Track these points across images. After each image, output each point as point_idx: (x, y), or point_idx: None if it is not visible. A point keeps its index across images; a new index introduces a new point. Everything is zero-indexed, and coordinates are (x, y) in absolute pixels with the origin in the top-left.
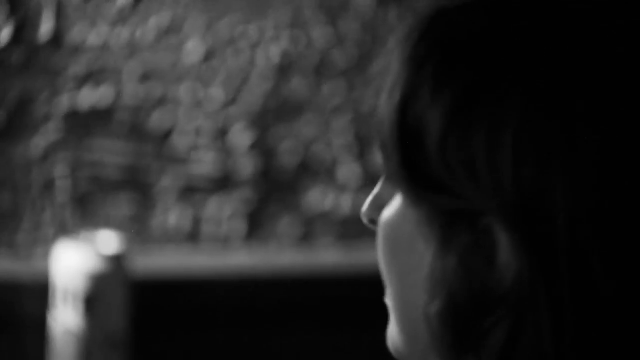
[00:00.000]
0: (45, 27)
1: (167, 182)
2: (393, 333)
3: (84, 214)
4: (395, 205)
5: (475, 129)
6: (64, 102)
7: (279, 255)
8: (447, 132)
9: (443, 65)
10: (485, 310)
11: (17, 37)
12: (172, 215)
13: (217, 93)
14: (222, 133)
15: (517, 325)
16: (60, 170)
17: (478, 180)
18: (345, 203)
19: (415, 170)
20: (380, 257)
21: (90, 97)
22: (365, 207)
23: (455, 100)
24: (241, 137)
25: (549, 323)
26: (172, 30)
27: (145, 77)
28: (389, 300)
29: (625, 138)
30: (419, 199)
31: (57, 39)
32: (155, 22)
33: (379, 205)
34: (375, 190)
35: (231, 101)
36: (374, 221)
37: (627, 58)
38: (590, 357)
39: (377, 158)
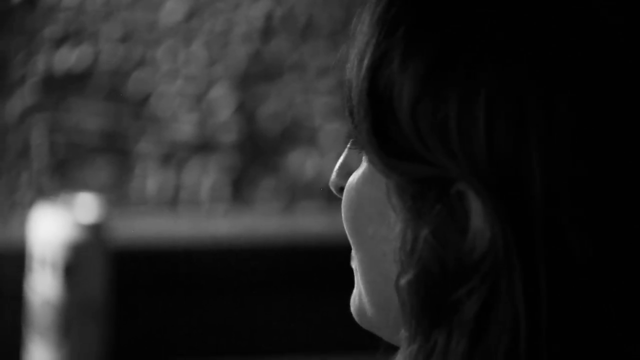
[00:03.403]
0: None
1: (147, 147)
2: (358, 299)
3: (62, 178)
4: (362, 170)
5: (447, 94)
6: (40, 64)
7: (262, 222)
8: (418, 97)
9: (415, 29)
10: (457, 280)
11: None
12: (152, 181)
13: (198, 54)
14: (203, 96)
15: (491, 295)
16: (36, 134)
17: (450, 147)
18: (330, 168)
19: (385, 138)
20: (345, 222)
21: (66, 59)
22: (333, 175)
23: (427, 65)
24: (223, 100)
25: (523, 292)
26: None
27: (124, 38)
28: (355, 264)
29: (604, 107)
30: (388, 167)
31: None
32: None
33: (347, 172)
34: (342, 157)
35: (213, 63)
36: (343, 189)
37: (610, 27)
38: (564, 327)
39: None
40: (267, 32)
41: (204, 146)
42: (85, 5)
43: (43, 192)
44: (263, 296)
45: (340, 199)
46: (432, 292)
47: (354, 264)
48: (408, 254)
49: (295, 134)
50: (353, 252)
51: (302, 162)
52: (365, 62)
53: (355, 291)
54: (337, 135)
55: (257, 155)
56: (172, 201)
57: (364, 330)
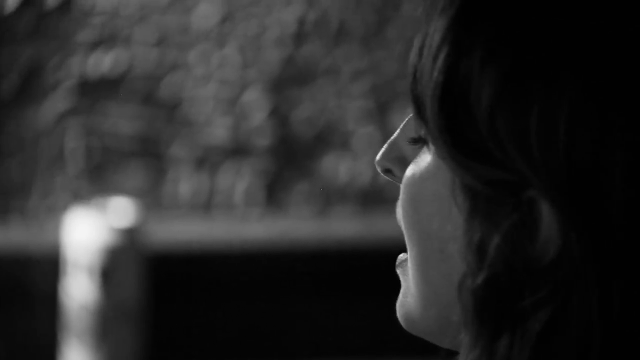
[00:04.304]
0: None
1: (181, 151)
2: (407, 303)
3: (96, 182)
4: (425, 164)
5: (528, 101)
6: (74, 68)
7: (296, 226)
8: (498, 99)
9: (498, 28)
10: (525, 287)
11: (27, 2)
12: (186, 185)
13: (231, 59)
14: (236, 100)
15: (561, 306)
16: (71, 138)
17: (528, 152)
18: (364, 171)
19: (459, 136)
20: (404, 217)
21: (101, 63)
22: (380, 154)
23: (510, 67)
24: (257, 104)
25: (598, 304)
26: None
27: (157, 43)
28: (407, 266)
29: None
30: (461, 166)
31: (66, 3)
32: None
33: (396, 156)
34: (394, 137)
35: (246, 67)
36: (389, 171)
37: None
38: (638, 341)
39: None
40: (300, 36)
41: (237, 150)
42: (119, 10)
43: (78, 196)
44: (297, 299)
45: (375, 201)
46: (498, 299)
47: (402, 268)
48: (475, 257)
49: (328, 137)
50: (401, 256)
51: (335, 166)
52: (441, 57)
53: (402, 295)
54: (370, 139)
55: (290, 159)
56: (206, 205)
57: (395, 334)
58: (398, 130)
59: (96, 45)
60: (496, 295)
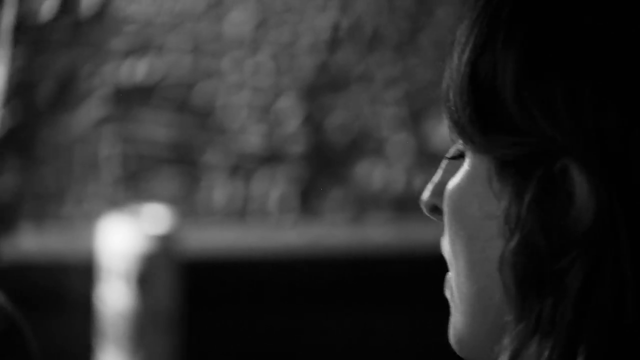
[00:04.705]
0: (90, 1)
1: (215, 158)
2: (457, 323)
3: (131, 189)
4: (462, 172)
5: (553, 69)
6: (109, 76)
7: (330, 233)
8: (523, 74)
9: (517, 9)
10: (562, 250)
11: (62, 10)
12: (220, 192)
13: (265, 66)
14: (270, 107)
15: (596, 264)
16: (105, 145)
17: (557, 122)
18: (398, 178)
19: (488, 117)
20: (449, 228)
21: (134, 71)
22: (425, 193)
23: (532, 42)
24: (290, 112)
25: (630, 261)
26: (217, 1)
27: (191, 50)
28: (455, 280)
29: None
30: (491, 146)
31: (101, 12)
32: None
33: (441, 190)
34: (437, 176)
35: (280, 74)
36: (436, 208)
37: None
38: None
39: (438, 130)
40: (333, 43)
41: (271, 157)
42: (152, 18)
43: (112, 203)
44: (331, 306)
45: (409, 208)
46: (536, 263)
47: (449, 290)
48: (513, 231)
49: (362, 144)
50: (448, 276)
51: (369, 173)
52: (467, 51)
53: (453, 318)
54: (404, 145)
55: (324, 166)
56: (241, 212)
57: (430, 341)
58: (440, 170)
59: (130, 53)
60: (535, 263)
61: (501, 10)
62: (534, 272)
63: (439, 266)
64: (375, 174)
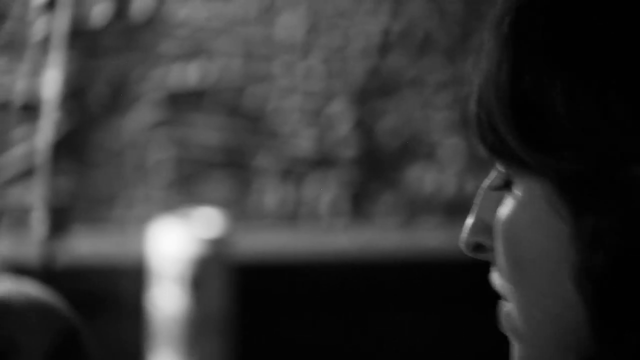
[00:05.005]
0: (142, 5)
1: (266, 162)
2: (527, 350)
3: (182, 192)
4: (513, 201)
5: (607, 77)
6: (161, 80)
7: (381, 237)
8: (575, 86)
9: (553, 23)
10: None
11: (115, 15)
12: (271, 196)
13: (316, 70)
14: (321, 111)
15: None
16: (156, 149)
17: (623, 129)
18: (449, 183)
19: (539, 137)
20: (507, 259)
21: (187, 75)
22: (465, 234)
23: (578, 52)
24: (342, 116)
25: None
26: (268, 5)
27: (242, 54)
28: (521, 309)
29: None
30: (548, 166)
31: (153, 16)
32: None
33: (482, 228)
34: (473, 213)
35: (331, 78)
36: (480, 246)
37: None
38: None
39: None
40: (385, 47)
41: (322, 161)
42: (203, 22)
43: (164, 207)
44: (382, 311)
45: (460, 212)
46: (623, 277)
47: (508, 324)
48: (591, 249)
49: (413, 148)
50: (506, 311)
51: (420, 177)
52: (504, 74)
53: (522, 352)
54: (455, 149)
55: (376, 170)
56: (292, 216)
57: (482, 344)
58: (475, 206)
59: (182, 57)
60: (619, 280)
61: (536, 27)
62: (621, 288)
63: (489, 271)
64: (426, 178)
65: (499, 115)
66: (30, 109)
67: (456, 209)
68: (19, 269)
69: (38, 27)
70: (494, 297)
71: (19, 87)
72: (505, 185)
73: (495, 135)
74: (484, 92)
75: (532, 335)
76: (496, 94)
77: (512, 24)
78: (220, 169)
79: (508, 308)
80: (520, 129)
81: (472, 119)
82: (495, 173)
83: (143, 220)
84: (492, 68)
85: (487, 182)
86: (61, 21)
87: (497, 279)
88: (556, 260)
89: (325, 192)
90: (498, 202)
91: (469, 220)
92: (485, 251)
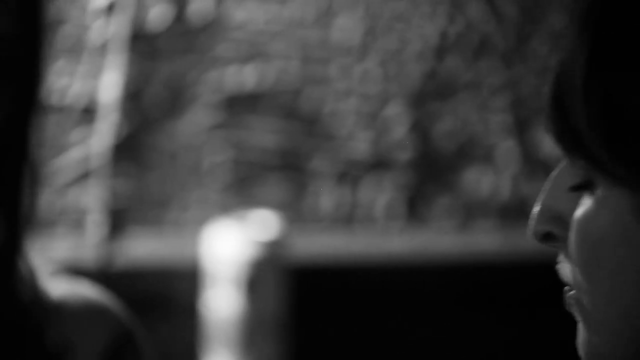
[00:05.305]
0: (199, 8)
1: (322, 164)
2: (597, 345)
3: (238, 195)
4: (593, 201)
5: None
6: (217, 83)
7: (437, 240)
8: None
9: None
10: None
11: (173, 18)
12: (327, 198)
13: (372, 72)
14: (377, 114)
15: None
16: (213, 151)
17: None
18: (505, 186)
19: (631, 149)
20: (581, 261)
21: (243, 78)
22: (533, 222)
23: None
24: (398, 118)
25: None
26: (325, 8)
27: (299, 57)
28: (594, 305)
29: None
30: (635, 181)
31: (211, 19)
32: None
33: (552, 216)
34: (541, 201)
35: (387, 81)
36: (549, 235)
37: None
38: None
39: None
40: (441, 50)
41: (378, 164)
42: (260, 25)
43: (220, 209)
44: (437, 312)
45: (517, 215)
46: None
47: (577, 307)
48: None
49: (469, 151)
50: (571, 294)
51: (476, 180)
52: (587, 74)
53: (584, 334)
54: (511, 153)
55: (431, 173)
56: (348, 218)
57: (538, 347)
58: (543, 194)
59: (239, 59)
60: None
61: (624, 24)
62: None
63: (545, 273)
64: (481, 181)
65: (582, 119)
66: (88, 112)
67: (511, 212)
68: (76, 271)
69: (96, 31)
70: (547, 299)
71: (76, 90)
72: (585, 185)
73: (577, 140)
74: (565, 93)
75: (599, 326)
76: (577, 95)
77: (595, 19)
78: (276, 171)
79: (577, 294)
80: (608, 139)
81: (549, 116)
82: (569, 168)
83: (199, 223)
84: (575, 65)
85: (555, 172)
86: (121, 24)
87: (565, 270)
88: (636, 269)
89: (380, 194)
90: (568, 193)
91: (537, 209)
92: (554, 240)
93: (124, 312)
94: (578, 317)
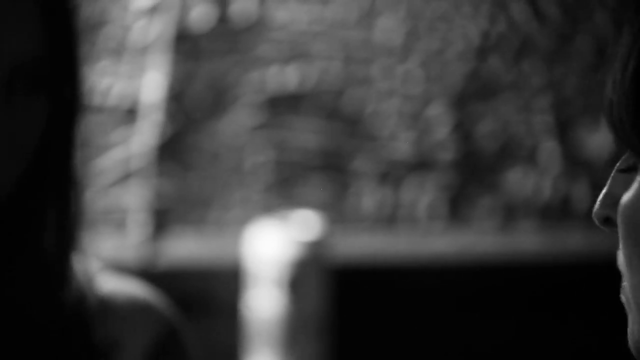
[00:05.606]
0: (242, 9)
1: (364, 165)
2: (636, 333)
3: (280, 195)
4: (634, 185)
5: None
6: (260, 83)
7: (479, 241)
8: None
9: None
10: None
11: (216, 19)
12: (369, 199)
13: (414, 73)
14: (420, 114)
15: None
16: (255, 152)
17: None
18: (546, 186)
19: None
20: (626, 246)
21: (285, 78)
22: (597, 205)
23: None
24: (440, 119)
25: None
26: (367, 8)
27: (341, 57)
28: (628, 294)
29: None
30: None
31: (254, 20)
32: (350, 0)
33: (613, 201)
34: (606, 186)
35: (429, 81)
36: (608, 220)
37: None
38: None
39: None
40: (483, 50)
41: (421, 164)
42: (303, 26)
43: (262, 209)
44: (478, 313)
45: (559, 216)
46: None
47: (625, 297)
48: None
49: (511, 152)
50: (626, 281)
51: (518, 180)
52: (631, 66)
53: (632, 325)
54: (553, 153)
55: (473, 173)
56: (390, 219)
57: (581, 348)
58: (610, 179)
59: (281, 60)
60: None
61: None
62: None
63: (587, 274)
64: (524, 182)
65: (621, 107)
66: (131, 112)
67: (553, 212)
68: (119, 270)
69: (139, 31)
70: (591, 301)
71: (118, 90)
72: (633, 169)
73: (619, 127)
74: (614, 80)
75: (637, 315)
76: (621, 85)
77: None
78: (318, 171)
79: (625, 283)
80: None
81: (606, 106)
82: (627, 154)
83: (241, 223)
84: (622, 58)
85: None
86: (164, 25)
87: (619, 257)
88: None
89: (422, 195)
90: (627, 180)
91: (602, 193)
92: (613, 226)
93: (170, 309)
94: (625, 306)
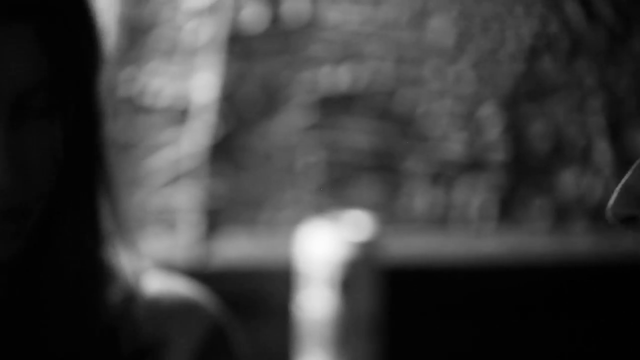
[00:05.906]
0: (294, 9)
1: (416, 165)
2: None
3: (332, 195)
4: None
5: None
6: (312, 84)
7: (531, 242)
8: None
9: None
10: None
11: (271, 20)
12: (421, 199)
13: (466, 74)
14: (472, 115)
15: None
16: (307, 152)
17: None
18: (598, 188)
19: None
20: None
21: (337, 79)
22: (613, 202)
23: None
24: (492, 120)
25: None
26: (419, 9)
27: (393, 58)
28: None
29: None
30: None
31: (306, 21)
32: (402, 1)
33: (635, 196)
34: (624, 181)
35: (481, 82)
36: (630, 218)
37: None
38: None
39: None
40: (535, 51)
41: (472, 165)
42: (355, 26)
43: (313, 210)
44: (530, 314)
45: (610, 227)
46: None
47: None
48: None
49: (563, 153)
50: None
51: (570, 182)
52: None
53: None
54: (604, 154)
55: (525, 174)
56: (441, 219)
57: (628, 349)
58: (628, 174)
59: (333, 60)
60: None
61: None
62: None
63: (637, 275)
64: (575, 183)
65: None
66: (182, 113)
67: (604, 214)
68: (170, 271)
69: (191, 32)
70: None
71: (170, 91)
72: None
73: None
74: None
75: None
76: None
77: None
78: (370, 172)
79: None
80: None
81: None
82: None
83: (292, 223)
84: None
85: None
86: (217, 26)
87: None
88: None
89: (474, 196)
90: None
91: (620, 187)
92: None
93: (218, 308)
94: None
